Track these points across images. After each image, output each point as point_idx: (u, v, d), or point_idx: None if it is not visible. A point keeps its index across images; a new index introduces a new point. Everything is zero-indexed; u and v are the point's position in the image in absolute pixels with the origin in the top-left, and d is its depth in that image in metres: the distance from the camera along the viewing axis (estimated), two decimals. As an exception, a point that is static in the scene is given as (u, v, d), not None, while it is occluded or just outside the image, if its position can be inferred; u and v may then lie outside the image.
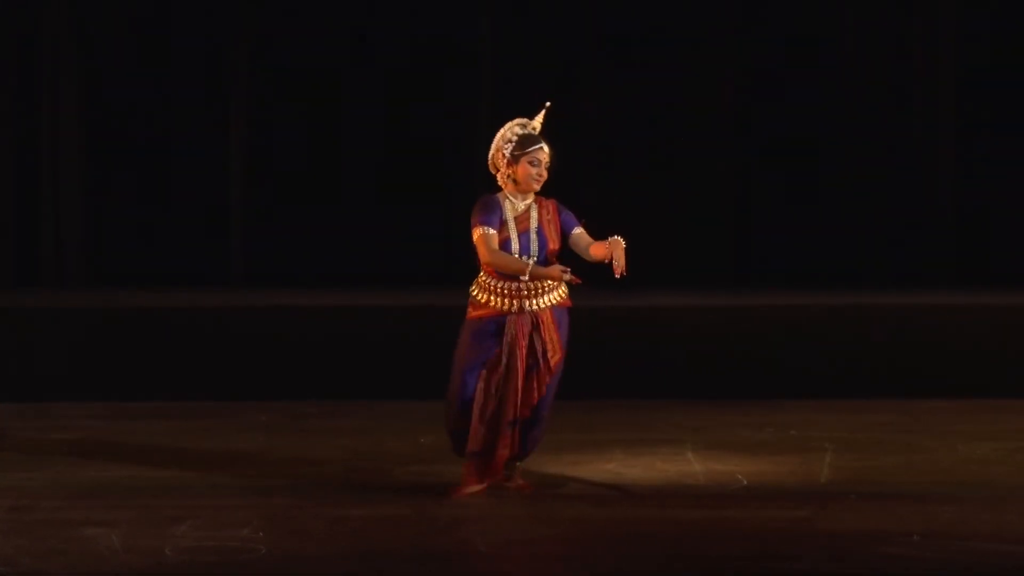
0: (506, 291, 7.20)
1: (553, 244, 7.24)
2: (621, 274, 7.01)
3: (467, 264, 12.80)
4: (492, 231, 7.18)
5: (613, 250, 7.03)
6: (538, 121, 7.31)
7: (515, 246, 7.19)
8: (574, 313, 7.34)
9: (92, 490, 7.62)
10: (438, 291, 12.36)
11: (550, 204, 7.31)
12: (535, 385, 7.24)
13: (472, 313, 7.30)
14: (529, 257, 7.18)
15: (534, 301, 7.20)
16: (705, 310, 11.10)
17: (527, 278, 7.14)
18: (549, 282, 7.19)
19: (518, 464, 7.45)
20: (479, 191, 7.18)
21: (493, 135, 7.27)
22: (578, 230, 7.27)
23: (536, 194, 7.30)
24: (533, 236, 7.22)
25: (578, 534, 6.76)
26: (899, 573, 6.15)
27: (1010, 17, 13.03)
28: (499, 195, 7.29)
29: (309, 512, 7.12)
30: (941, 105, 13.09)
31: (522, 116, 7.29)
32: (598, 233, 7.20)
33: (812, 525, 6.88)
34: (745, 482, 7.80)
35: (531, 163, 7.21)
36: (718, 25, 13.16)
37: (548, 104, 7.32)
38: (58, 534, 6.63)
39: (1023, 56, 13.04)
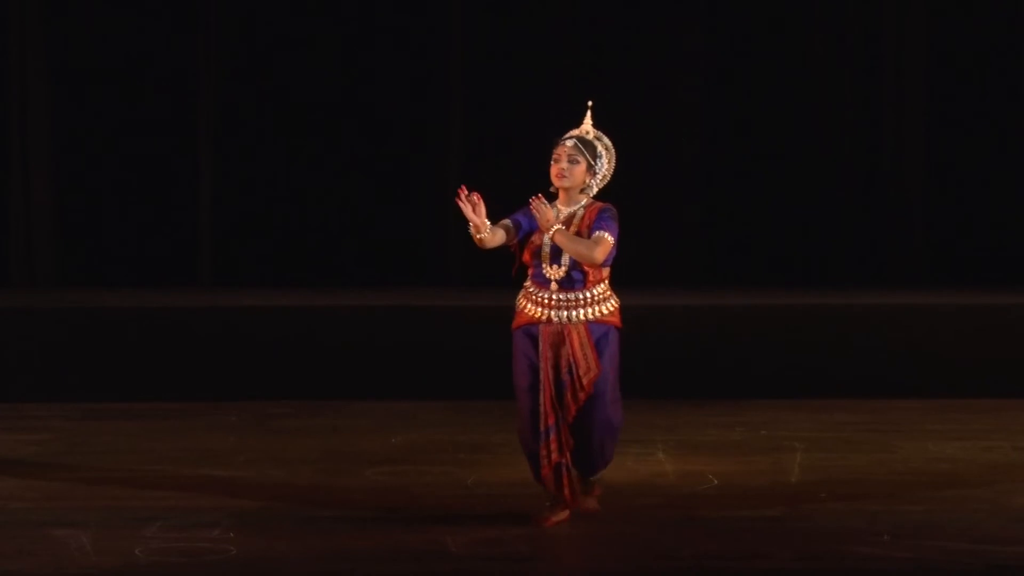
0: (540, 300, 6.89)
1: None
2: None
3: (442, 264, 12.86)
4: (507, 220, 6.87)
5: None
6: (587, 124, 7.04)
7: (546, 250, 6.89)
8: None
9: (61, 491, 7.60)
10: (409, 291, 12.37)
11: (596, 210, 6.92)
12: (569, 402, 6.85)
13: (513, 323, 6.99)
14: (560, 266, 6.87)
15: (564, 314, 6.86)
16: (675, 309, 11.09)
17: (481, 235, 6.75)
18: (586, 296, 6.88)
19: (592, 479, 7.08)
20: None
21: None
22: (594, 235, 6.80)
23: (596, 201, 6.97)
24: None
25: (548, 534, 6.76)
26: (869, 572, 6.17)
27: (980, 15, 13.07)
28: (539, 199, 6.86)
29: (279, 512, 7.12)
30: (912, 103, 13.11)
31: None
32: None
33: (782, 524, 6.89)
34: (716, 482, 7.82)
35: (555, 160, 6.95)
36: (684, 26, 13.15)
37: (590, 103, 7.06)
38: (27, 535, 6.61)
39: (993, 53, 13.07)
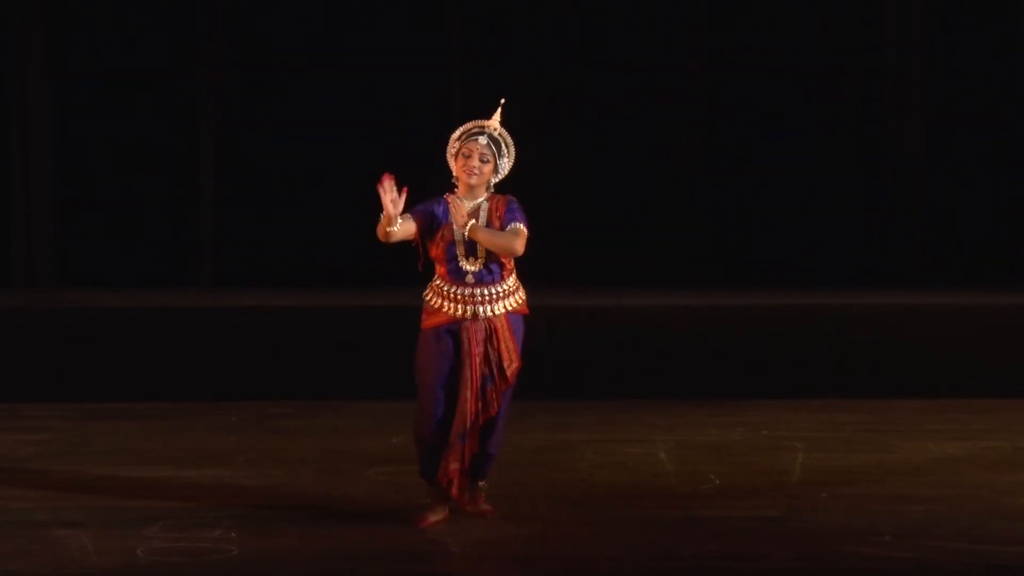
0: (459, 296, 6.88)
1: None
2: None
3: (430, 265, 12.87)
4: (408, 215, 6.77)
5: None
6: (496, 119, 7.01)
7: (460, 249, 6.86)
8: (546, 313, 7.26)
9: (61, 491, 7.60)
10: (409, 291, 12.36)
11: (502, 202, 6.92)
12: (492, 397, 6.88)
13: (426, 322, 6.96)
14: (477, 259, 6.88)
15: (488, 307, 6.88)
16: (675, 310, 11.09)
17: (392, 227, 6.69)
18: (503, 288, 6.92)
19: (480, 483, 7.07)
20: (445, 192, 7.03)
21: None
22: (510, 228, 6.82)
23: (496, 194, 6.97)
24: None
25: (550, 534, 6.76)
26: (869, 572, 6.17)
27: (980, 15, 13.08)
28: (454, 195, 6.92)
29: (280, 512, 7.12)
30: (911, 105, 13.11)
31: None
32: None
33: (783, 524, 6.89)
34: (717, 481, 7.81)
35: (465, 155, 6.91)
36: (687, 25, 13.15)
37: (503, 101, 7.05)
38: (27, 535, 6.61)
39: (993, 53, 13.08)
